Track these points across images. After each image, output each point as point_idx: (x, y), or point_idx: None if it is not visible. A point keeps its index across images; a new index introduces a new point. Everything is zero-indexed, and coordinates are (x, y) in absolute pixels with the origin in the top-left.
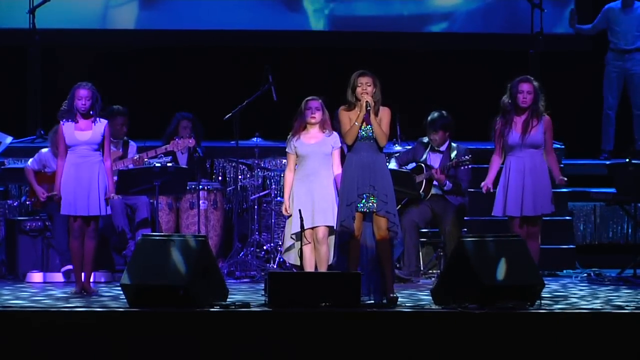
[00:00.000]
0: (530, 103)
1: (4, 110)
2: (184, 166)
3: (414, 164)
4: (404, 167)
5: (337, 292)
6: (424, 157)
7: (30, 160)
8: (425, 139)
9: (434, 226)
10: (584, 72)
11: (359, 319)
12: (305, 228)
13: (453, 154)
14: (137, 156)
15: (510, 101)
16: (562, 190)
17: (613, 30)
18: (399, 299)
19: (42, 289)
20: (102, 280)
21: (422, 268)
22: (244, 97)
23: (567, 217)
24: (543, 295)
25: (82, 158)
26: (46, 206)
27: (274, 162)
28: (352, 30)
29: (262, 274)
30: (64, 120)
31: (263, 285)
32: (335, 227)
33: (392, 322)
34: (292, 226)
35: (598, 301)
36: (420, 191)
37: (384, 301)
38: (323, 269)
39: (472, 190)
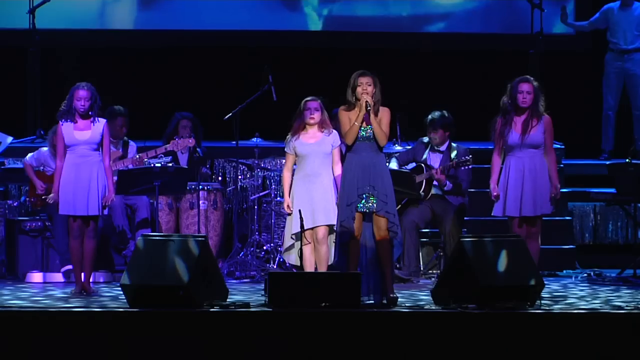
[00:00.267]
0: (530, 103)
1: (4, 110)
2: (184, 166)
3: (414, 164)
4: (404, 167)
5: (337, 292)
6: (424, 157)
7: (29, 155)
8: (426, 139)
9: (434, 226)
10: (584, 72)
11: (359, 319)
12: (305, 228)
13: (453, 154)
14: (137, 156)
15: (510, 101)
16: (562, 190)
17: (612, 31)
18: (399, 299)
19: (42, 289)
20: (102, 280)
21: (422, 268)
22: (244, 97)
23: (567, 217)
24: (543, 296)
25: (82, 158)
26: (46, 206)
27: (273, 162)
28: (352, 30)
29: (262, 274)
30: (63, 120)
31: (263, 285)
32: (335, 227)
33: (392, 322)
34: (292, 226)
35: (598, 301)
36: (420, 191)
37: (384, 301)
38: (323, 269)
39: (472, 190)
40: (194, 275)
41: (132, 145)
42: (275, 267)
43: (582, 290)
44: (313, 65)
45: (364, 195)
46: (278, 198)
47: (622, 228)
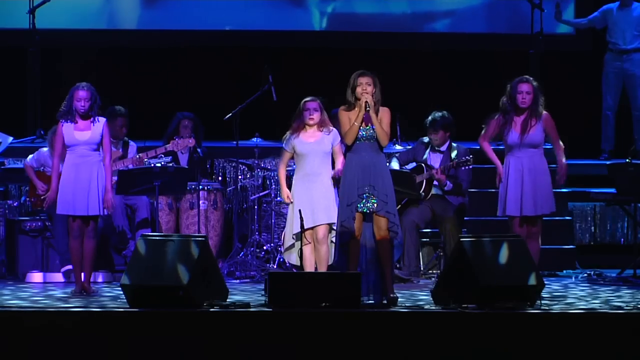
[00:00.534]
0: (529, 103)
1: (4, 110)
2: (185, 166)
3: (414, 164)
4: (404, 167)
5: (337, 292)
6: (425, 157)
7: (30, 156)
8: (426, 139)
9: (434, 226)
10: (584, 72)
11: (359, 319)
12: (305, 228)
13: (453, 154)
14: (137, 156)
15: (509, 101)
16: (562, 190)
17: (611, 31)
18: (399, 299)
19: (42, 289)
20: (102, 280)
21: (422, 268)
22: (244, 97)
23: (567, 217)
24: (543, 295)
25: (82, 158)
26: (46, 206)
27: (274, 162)
28: (352, 30)
29: (262, 274)
30: (64, 120)
31: (263, 285)
32: (335, 226)
33: (392, 322)
34: (292, 226)
35: (598, 301)
36: (421, 191)
37: (384, 301)
38: (323, 269)
39: (473, 190)
40: (194, 275)
41: (132, 145)
42: (275, 267)
43: (582, 290)
44: (313, 65)
45: (364, 195)
46: (278, 198)
47: (622, 228)
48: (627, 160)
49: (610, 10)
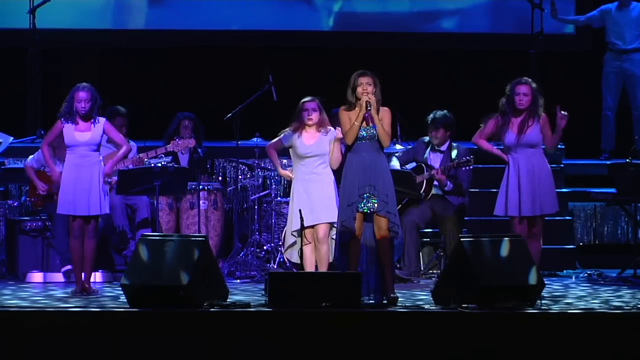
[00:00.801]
0: (527, 105)
1: (4, 110)
2: (185, 166)
3: (414, 164)
4: (404, 167)
5: (337, 292)
6: (425, 156)
7: (30, 157)
8: (426, 139)
9: (434, 226)
10: (584, 72)
11: (359, 319)
12: (305, 227)
13: (454, 154)
14: (137, 156)
15: (507, 103)
16: (562, 190)
17: (610, 31)
18: (399, 299)
19: (42, 289)
20: (102, 280)
21: (422, 268)
22: (244, 97)
23: (567, 217)
24: (543, 295)
25: (82, 158)
26: (46, 206)
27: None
28: (353, 30)
29: (263, 274)
30: (64, 120)
31: (263, 285)
32: (336, 226)
33: (392, 322)
34: (293, 225)
35: (598, 301)
36: (421, 191)
37: (384, 301)
38: (323, 268)
39: (473, 190)
40: (194, 275)
41: (133, 146)
42: (275, 267)
43: (582, 290)
44: (313, 65)
45: (365, 196)
46: (278, 198)
47: (622, 228)
48: (627, 160)
49: (609, 11)
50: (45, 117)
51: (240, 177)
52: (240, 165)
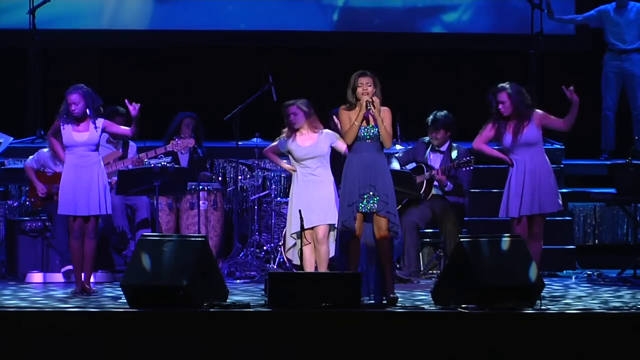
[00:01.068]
0: (510, 110)
1: (4, 110)
2: (185, 166)
3: (414, 164)
4: (404, 168)
5: (337, 293)
6: (425, 157)
7: (30, 158)
8: (426, 139)
9: (434, 226)
10: (584, 72)
11: (359, 319)
12: (305, 228)
13: (454, 154)
14: (137, 156)
15: (495, 111)
16: (562, 190)
17: (609, 32)
18: (399, 299)
19: (42, 290)
20: (102, 280)
21: (422, 268)
22: (244, 97)
23: (567, 218)
24: (543, 295)
25: (81, 158)
26: (46, 206)
27: (274, 163)
28: (353, 30)
29: (262, 274)
30: (63, 122)
31: (263, 285)
32: (336, 226)
33: (392, 322)
34: (292, 226)
35: (598, 302)
36: (421, 192)
37: (384, 301)
38: (323, 269)
39: (474, 190)
40: (194, 275)
41: (132, 146)
42: (275, 267)
43: (582, 290)
44: (313, 65)
45: (365, 196)
46: (278, 198)
47: (622, 228)
48: (627, 160)
49: (607, 11)
50: (45, 117)
51: (240, 177)
52: (240, 166)
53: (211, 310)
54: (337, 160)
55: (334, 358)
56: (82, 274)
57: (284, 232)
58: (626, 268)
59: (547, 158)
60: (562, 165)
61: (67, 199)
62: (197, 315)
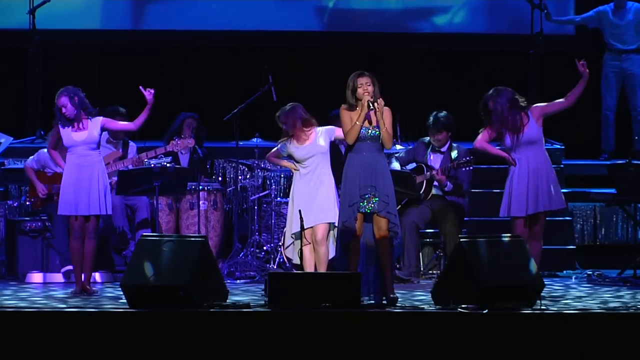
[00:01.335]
0: (507, 115)
1: (4, 110)
2: (185, 166)
3: (414, 164)
4: (404, 168)
5: (337, 293)
6: (425, 157)
7: (30, 158)
8: (427, 139)
9: (434, 227)
10: None
11: (359, 319)
12: (305, 228)
13: (454, 155)
14: (137, 157)
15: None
16: (562, 190)
17: (608, 33)
18: (399, 300)
19: (42, 290)
20: (102, 280)
21: (422, 268)
22: (244, 97)
23: (567, 218)
24: (543, 295)
25: (82, 158)
26: (46, 206)
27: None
28: (352, 30)
29: (262, 274)
30: (62, 125)
31: (263, 285)
32: (336, 225)
33: (392, 322)
34: (293, 226)
35: (598, 302)
36: (421, 192)
37: (384, 301)
38: (322, 269)
39: (474, 190)
40: (194, 275)
41: (132, 146)
42: (275, 267)
43: (582, 290)
44: (313, 66)
45: (366, 196)
46: (278, 198)
47: (622, 228)
48: (627, 160)
49: (605, 12)
50: (45, 117)
51: (240, 177)
52: (240, 166)
53: (211, 310)
54: (337, 160)
55: (334, 358)
56: (82, 274)
57: (284, 231)
58: (626, 268)
59: (548, 156)
60: (562, 165)
61: (68, 199)
62: (196, 315)
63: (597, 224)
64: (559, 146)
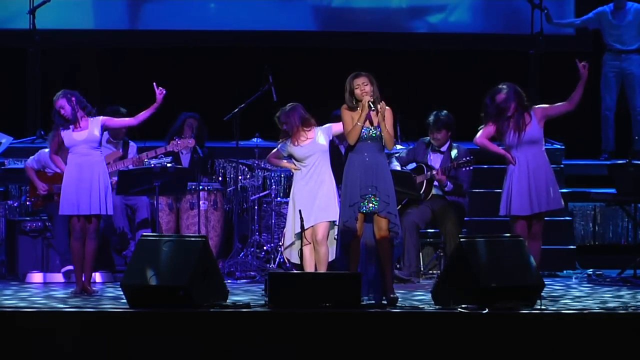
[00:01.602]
0: (513, 111)
1: (4, 110)
2: (185, 167)
3: (414, 164)
4: (404, 168)
5: (337, 293)
6: (425, 157)
7: (31, 158)
8: (427, 139)
9: (434, 227)
10: None
11: (359, 319)
12: (306, 228)
13: (454, 154)
14: (137, 156)
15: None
16: (562, 190)
17: (608, 34)
18: (399, 300)
19: (42, 290)
20: (102, 280)
21: (422, 268)
22: (244, 97)
23: (567, 218)
24: (543, 295)
25: (83, 157)
26: (46, 206)
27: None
28: (352, 30)
29: (262, 274)
30: (62, 129)
31: (263, 285)
32: (337, 224)
33: (392, 322)
34: (293, 226)
35: (598, 302)
36: (421, 192)
37: (384, 301)
38: (323, 269)
39: (474, 190)
40: (194, 275)
41: (132, 146)
42: (275, 267)
43: (582, 290)
44: (313, 66)
45: (367, 196)
46: (278, 198)
47: (622, 228)
48: (627, 160)
49: (605, 13)
50: (45, 117)
51: (240, 177)
52: (240, 166)
53: (211, 310)
54: (337, 160)
55: (334, 358)
56: (83, 275)
57: (284, 231)
58: (626, 268)
59: (547, 157)
60: (562, 165)
61: (69, 199)
62: (196, 315)
63: (597, 224)
64: (559, 146)
